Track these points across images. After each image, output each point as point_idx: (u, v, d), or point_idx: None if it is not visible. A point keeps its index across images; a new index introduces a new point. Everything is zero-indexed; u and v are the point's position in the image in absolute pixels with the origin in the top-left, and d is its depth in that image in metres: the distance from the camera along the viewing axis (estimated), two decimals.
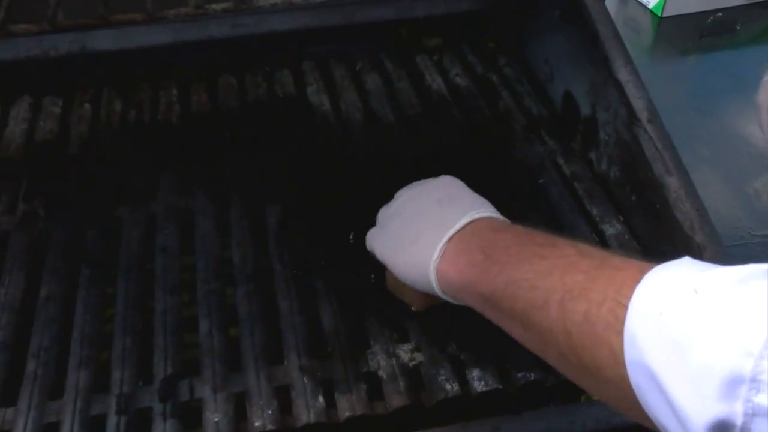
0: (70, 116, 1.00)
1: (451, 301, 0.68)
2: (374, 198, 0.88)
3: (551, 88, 1.03)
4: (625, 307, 0.46)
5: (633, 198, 0.85)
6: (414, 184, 0.77)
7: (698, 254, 0.74)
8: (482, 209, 0.69)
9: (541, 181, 0.91)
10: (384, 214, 0.76)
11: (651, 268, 0.48)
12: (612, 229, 0.85)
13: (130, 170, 0.92)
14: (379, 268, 0.79)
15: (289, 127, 0.99)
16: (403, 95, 1.04)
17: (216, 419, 0.67)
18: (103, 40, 1.00)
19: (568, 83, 0.98)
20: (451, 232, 0.66)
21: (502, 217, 0.69)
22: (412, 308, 0.75)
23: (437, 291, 0.67)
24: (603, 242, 0.84)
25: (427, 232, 0.68)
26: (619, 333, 0.46)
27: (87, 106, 1.01)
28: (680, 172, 0.79)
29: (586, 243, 0.59)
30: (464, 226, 0.66)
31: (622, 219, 0.86)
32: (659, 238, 0.81)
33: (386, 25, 1.11)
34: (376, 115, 1.01)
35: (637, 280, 0.47)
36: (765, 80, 0.61)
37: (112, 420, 0.67)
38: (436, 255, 0.65)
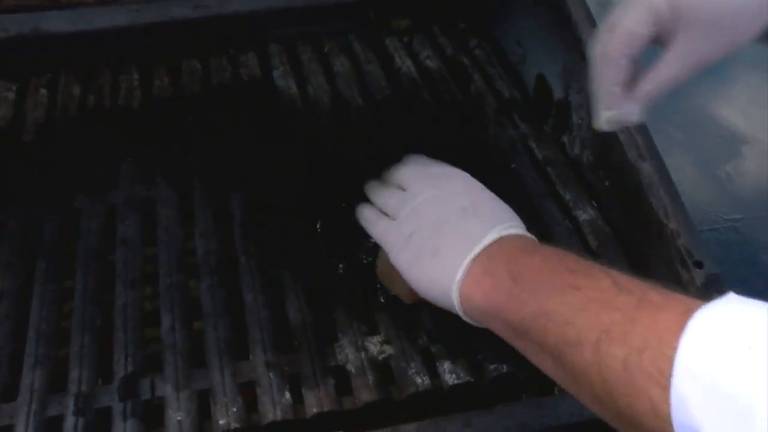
0: (26, 102, 0.96)
1: (472, 323, 0.63)
2: (343, 185, 0.86)
3: (523, 71, 1.01)
4: (670, 359, 0.43)
5: (606, 183, 0.84)
6: (432, 171, 0.71)
7: (672, 240, 0.73)
8: (508, 223, 0.64)
9: (513, 165, 0.89)
10: (399, 204, 0.69)
11: (693, 306, 0.44)
12: (585, 214, 0.83)
13: (89, 158, 0.89)
14: (350, 258, 0.77)
15: (254, 112, 0.96)
16: (372, 78, 1.01)
17: (179, 418, 0.65)
18: (57, 22, 0.96)
19: (541, 66, 0.96)
20: (477, 249, 0.61)
21: (529, 235, 0.64)
22: (405, 301, 0.73)
23: (458, 311, 0.62)
24: (576, 228, 0.82)
25: (450, 246, 0.62)
26: (664, 388, 0.43)
27: (43, 91, 0.97)
28: (654, 156, 0.78)
29: (620, 272, 0.54)
30: (491, 244, 0.61)
31: (595, 204, 0.84)
32: (633, 224, 0.79)
33: (354, 6, 1.08)
34: (345, 99, 0.98)
35: (681, 325, 0.43)
36: (601, 31, 0.58)
37: (69, 421, 0.65)
38: (460, 275, 0.60)
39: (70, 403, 0.66)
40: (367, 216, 0.72)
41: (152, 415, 0.66)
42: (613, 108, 0.63)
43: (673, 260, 0.73)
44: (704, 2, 0.57)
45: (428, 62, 1.04)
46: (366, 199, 0.74)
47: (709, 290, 0.70)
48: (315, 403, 0.66)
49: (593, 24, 0.86)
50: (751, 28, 0.59)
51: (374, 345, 0.71)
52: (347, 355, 0.70)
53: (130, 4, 0.96)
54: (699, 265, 0.72)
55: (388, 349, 0.71)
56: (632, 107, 0.63)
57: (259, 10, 1.03)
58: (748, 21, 0.59)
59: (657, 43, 0.61)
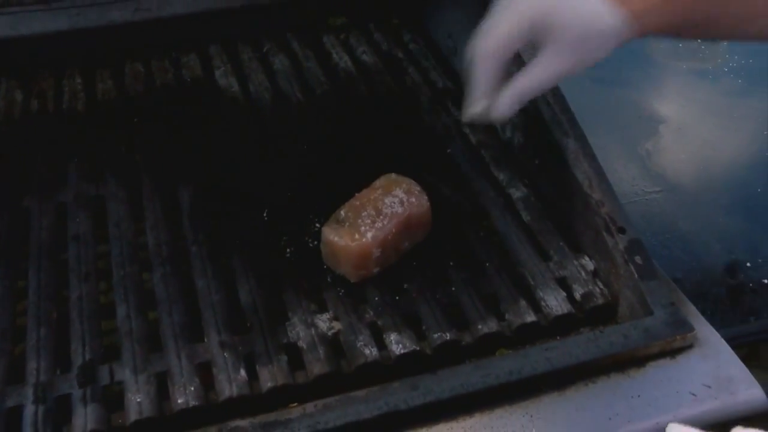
0: None
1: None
2: (286, 175, 0.89)
3: (455, 61, 1.06)
4: None
5: (536, 162, 0.89)
6: None
7: (597, 209, 0.78)
8: None
9: (449, 150, 0.94)
10: None
11: None
12: (518, 192, 0.88)
13: (36, 160, 0.90)
14: (296, 243, 0.80)
15: (198, 110, 0.98)
16: (311, 74, 1.05)
17: (138, 400, 0.67)
18: None
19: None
20: None
21: None
22: (351, 279, 0.77)
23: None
24: (510, 204, 0.87)
25: None
26: None
27: None
28: (577, 133, 0.83)
29: None
30: None
31: (527, 182, 0.89)
32: (561, 197, 0.84)
33: (291, 5, 1.11)
34: (285, 95, 1.01)
35: None
36: (479, 33, 0.64)
37: (29, 410, 0.67)
38: None
39: (29, 393, 0.68)
40: None
41: (112, 400, 0.68)
42: (482, 105, 0.68)
43: (599, 228, 0.78)
44: (573, 23, 0.63)
45: (365, 57, 1.08)
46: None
47: (632, 254, 0.75)
48: (269, 378, 0.69)
49: None
50: (612, 46, 0.65)
51: (323, 322, 0.74)
52: (298, 332, 0.73)
53: (71, 8, 0.97)
54: (622, 230, 0.77)
55: (337, 325, 0.74)
56: (503, 106, 0.68)
57: (199, 12, 1.05)
58: (611, 42, 0.65)
59: (530, 50, 0.67)
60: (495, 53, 0.66)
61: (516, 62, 0.68)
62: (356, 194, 0.79)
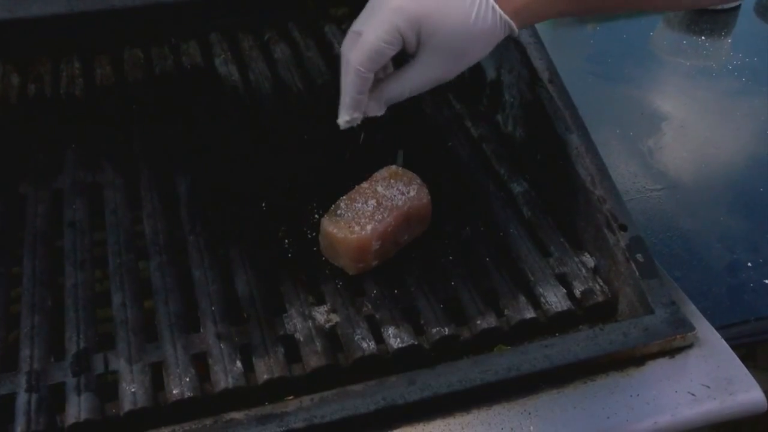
0: None
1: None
2: (286, 165, 0.88)
3: None
4: None
5: (538, 157, 0.88)
6: None
7: (598, 206, 0.78)
8: None
9: (450, 143, 0.93)
10: None
11: None
12: (519, 187, 0.88)
13: (32, 146, 0.89)
14: (295, 234, 0.79)
15: (197, 98, 0.97)
16: (312, 64, 1.04)
17: (132, 390, 0.67)
18: None
19: None
20: None
21: None
22: (349, 272, 0.76)
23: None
24: (511, 199, 0.86)
25: None
26: None
27: None
28: (580, 129, 0.82)
29: None
30: None
31: (528, 177, 0.89)
32: (563, 193, 0.84)
33: None
34: (286, 84, 1.00)
35: None
36: (347, 37, 0.67)
37: (22, 398, 0.66)
38: None
39: (22, 381, 0.67)
40: None
41: (106, 389, 0.68)
42: (357, 112, 0.69)
43: (600, 224, 0.78)
44: (444, 32, 0.63)
45: None
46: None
47: (633, 251, 0.75)
48: (265, 370, 0.68)
49: None
50: (482, 53, 0.66)
51: (321, 314, 0.74)
52: (295, 324, 0.73)
53: None
54: (623, 228, 0.76)
55: (335, 318, 0.73)
56: (374, 108, 0.69)
57: None
58: (480, 49, 0.65)
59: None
60: (363, 65, 0.65)
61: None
62: (356, 186, 0.78)
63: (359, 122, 0.71)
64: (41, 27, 0.98)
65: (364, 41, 0.65)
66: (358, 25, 0.66)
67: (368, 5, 0.66)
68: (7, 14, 0.96)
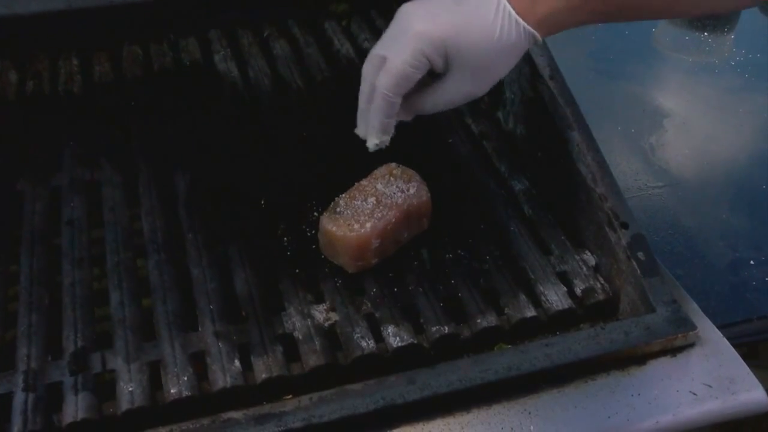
0: None
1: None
2: (285, 163, 0.88)
3: None
4: None
5: (539, 154, 0.88)
6: None
7: (600, 204, 0.77)
8: None
9: (450, 140, 0.92)
10: None
11: None
12: (520, 184, 0.87)
13: (30, 143, 0.89)
14: (294, 231, 0.79)
15: (196, 95, 0.97)
16: (312, 61, 1.03)
17: (130, 389, 0.66)
18: None
19: None
20: None
21: None
22: (348, 270, 0.76)
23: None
24: (511, 197, 0.86)
25: None
26: None
27: None
28: (581, 126, 0.82)
29: None
30: None
31: (529, 174, 0.88)
32: (564, 190, 0.83)
33: None
34: (285, 81, 1.00)
35: None
36: (369, 61, 0.67)
37: (19, 397, 0.65)
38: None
39: (19, 380, 0.67)
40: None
41: (104, 388, 0.67)
42: (386, 135, 0.69)
43: (601, 222, 0.77)
44: (470, 51, 0.63)
45: (367, 44, 1.06)
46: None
47: (634, 249, 0.74)
48: (264, 369, 0.68)
49: None
50: (510, 65, 0.66)
51: (320, 313, 0.73)
52: (294, 323, 0.72)
53: None
54: (625, 226, 0.76)
55: (334, 316, 0.73)
56: (402, 116, 0.69)
57: None
58: (508, 62, 0.65)
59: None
60: (391, 90, 0.65)
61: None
62: (356, 184, 0.78)
63: (388, 144, 0.70)
64: (39, 23, 0.97)
65: (390, 67, 0.64)
66: (381, 49, 0.66)
67: (390, 29, 0.66)
68: (5, 10, 0.95)
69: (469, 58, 0.64)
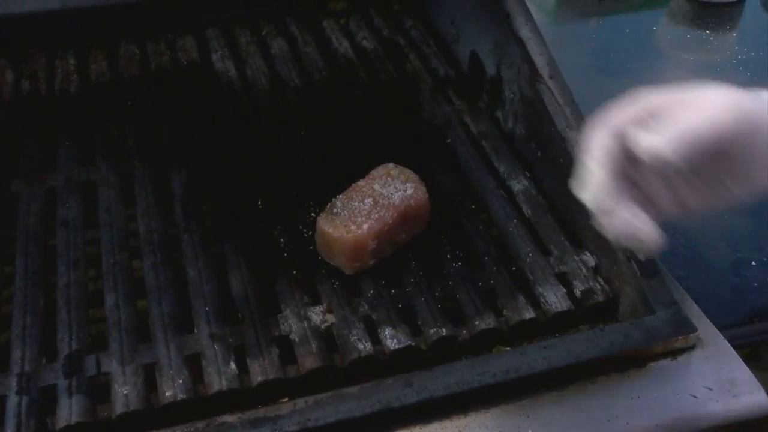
0: None
1: None
2: (282, 163, 0.87)
3: (457, 49, 1.04)
4: None
5: (538, 153, 0.87)
6: None
7: None
8: None
9: (449, 140, 0.92)
10: None
11: None
12: (519, 184, 0.86)
13: (26, 143, 0.88)
14: (291, 232, 0.78)
15: (193, 94, 0.96)
16: (310, 59, 1.02)
17: (125, 392, 0.66)
18: None
19: (474, 43, 0.99)
20: None
21: None
22: (345, 271, 0.75)
23: None
24: (510, 197, 0.85)
25: None
26: None
27: None
28: (581, 126, 0.81)
29: None
30: None
31: (528, 174, 0.87)
32: (564, 191, 0.82)
33: None
34: (283, 80, 0.99)
35: None
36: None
37: (12, 401, 0.65)
38: None
39: (13, 382, 0.66)
40: None
41: (98, 391, 0.67)
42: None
43: None
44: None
45: (365, 43, 1.06)
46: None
47: None
48: (260, 372, 0.67)
49: (521, 0, 0.89)
50: None
51: (317, 314, 0.73)
52: (290, 325, 0.71)
53: None
54: None
55: (330, 318, 0.72)
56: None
57: None
58: None
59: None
60: None
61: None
62: (353, 184, 0.77)
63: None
64: (35, 22, 0.97)
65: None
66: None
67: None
68: (1, 9, 0.95)
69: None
